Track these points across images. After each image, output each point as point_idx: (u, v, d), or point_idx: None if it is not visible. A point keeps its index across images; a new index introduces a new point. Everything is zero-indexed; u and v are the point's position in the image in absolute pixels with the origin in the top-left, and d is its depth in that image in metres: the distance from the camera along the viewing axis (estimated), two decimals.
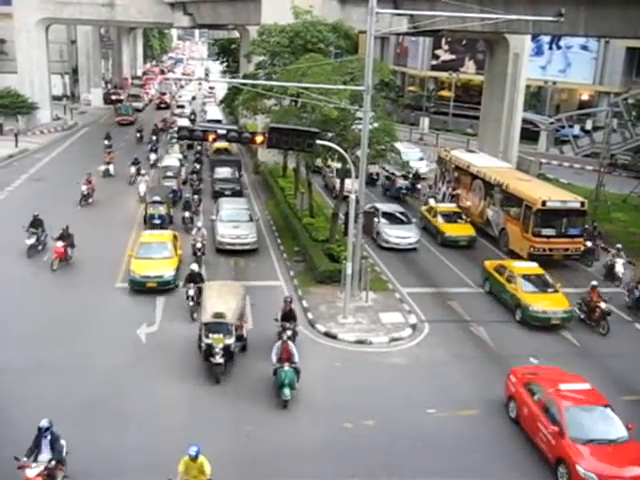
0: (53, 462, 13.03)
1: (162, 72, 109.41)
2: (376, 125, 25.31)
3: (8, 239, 27.50)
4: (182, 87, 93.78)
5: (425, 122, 61.99)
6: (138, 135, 51.97)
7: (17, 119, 52.56)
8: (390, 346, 21.07)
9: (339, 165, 27.65)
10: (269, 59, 32.69)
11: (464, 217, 31.97)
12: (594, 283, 23.79)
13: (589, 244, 28.92)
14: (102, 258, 26.76)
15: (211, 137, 20.67)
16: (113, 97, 74.61)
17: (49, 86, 58.21)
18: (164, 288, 23.86)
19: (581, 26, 32.04)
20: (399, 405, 17.57)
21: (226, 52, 79.50)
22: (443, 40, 66.36)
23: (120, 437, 15.61)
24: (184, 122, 51.24)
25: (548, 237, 27.78)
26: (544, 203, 27.56)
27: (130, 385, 17.99)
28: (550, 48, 61.73)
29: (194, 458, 12.76)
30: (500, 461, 15.57)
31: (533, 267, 24.59)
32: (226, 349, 17.96)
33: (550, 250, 27.87)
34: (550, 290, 23.56)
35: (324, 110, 23.61)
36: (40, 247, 27.01)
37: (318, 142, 20.74)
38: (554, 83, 61.18)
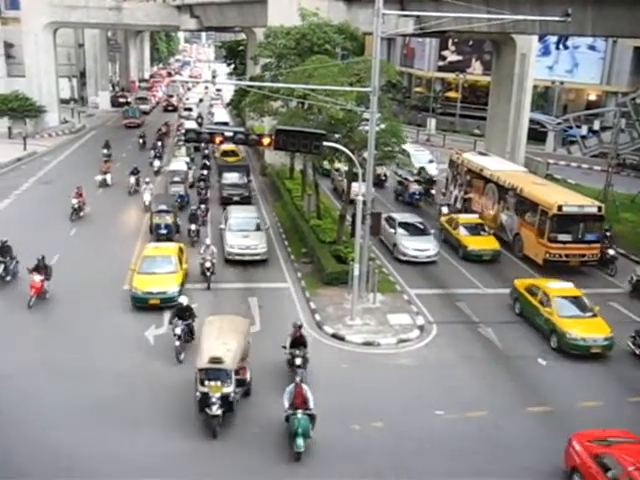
0: None
1: (169, 75, 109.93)
2: (383, 126, 25.24)
3: None
4: (189, 89, 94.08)
5: (432, 123, 61.92)
6: (141, 141, 50.68)
7: (25, 122, 52.85)
8: (398, 347, 21.02)
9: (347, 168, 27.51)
10: (275, 61, 32.73)
11: (487, 229, 30.32)
12: None
13: (611, 252, 27.93)
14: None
15: (218, 139, 20.76)
16: (121, 100, 74.95)
17: (57, 89, 58.53)
18: (167, 305, 22.16)
19: (588, 26, 31.93)
20: (407, 407, 17.53)
21: (234, 54, 79.70)
22: (450, 41, 66.28)
23: None
24: (191, 125, 51.19)
25: (564, 243, 26.99)
26: (560, 208, 26.85)
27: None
28: (557, 48, 61.56)
29: None
30: (509, 463, 15.49)
31: (569, 288, 22.52)
32: (224, 399, 15.83)
33: (566, 256, 27.09)
34: (588, 314, 21.51)
35: (330, 111, 23.63)
36: (9, 278, 23.99)
37: (325, 144, 20.73)
38: (561, 83, 61.00)
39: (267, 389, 17.76)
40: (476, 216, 31.91)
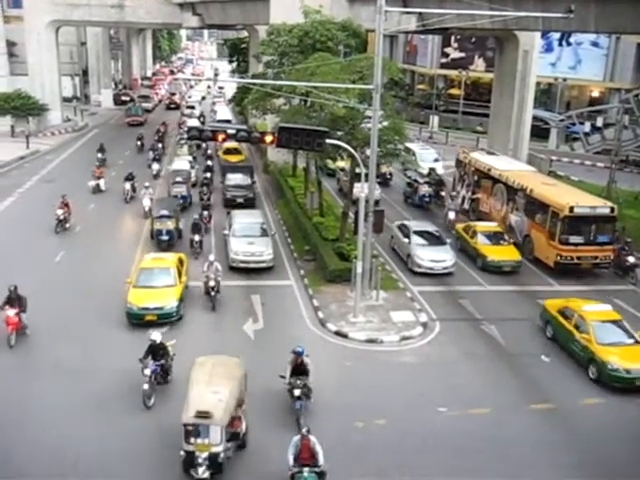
0: None
1: (172, 72, 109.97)
2: (385, 124, 25.24)
3: None
4: (192, 87, 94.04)
5: (435, 120, 61.86)
6: (139, 144, 48.76)
7: (28, 121, 52.92)
8: (401, 345, 21.03)
9: None
10: (278, 58, 32.72)
11: (507, 238, 28.85)
12: None
13: (631, 259, 26.99)
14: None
15: (221, 137, 20.73)
16: (123, 98, 75.08)
17: (59, 88, 58.62)
18: (165, 321, 21.09)
19: (591, 22, 31.88)
20: (410, 404, 17.54)
21: (236, 52, 79.67)
22: (452, 38, 66.14)
23: None
24: (194, 122, 51.08)
25: (576, 245, 26.39)
26: (572, 209, 26.23)
27: None
28: (560, 45, 61.40)
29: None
30: (511, 461, 15.48)
31: (607, 310, 20.63)
32: (213, 459, 13.68)
33: (578, 259, 26.53)
34: (630, 341, 19.48)
35: (332, 109, 23.61)
36: None
37: (328, 141, 20.73)
38: (564, 80, 60.80)
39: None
40: (495, 224, 30.29)
